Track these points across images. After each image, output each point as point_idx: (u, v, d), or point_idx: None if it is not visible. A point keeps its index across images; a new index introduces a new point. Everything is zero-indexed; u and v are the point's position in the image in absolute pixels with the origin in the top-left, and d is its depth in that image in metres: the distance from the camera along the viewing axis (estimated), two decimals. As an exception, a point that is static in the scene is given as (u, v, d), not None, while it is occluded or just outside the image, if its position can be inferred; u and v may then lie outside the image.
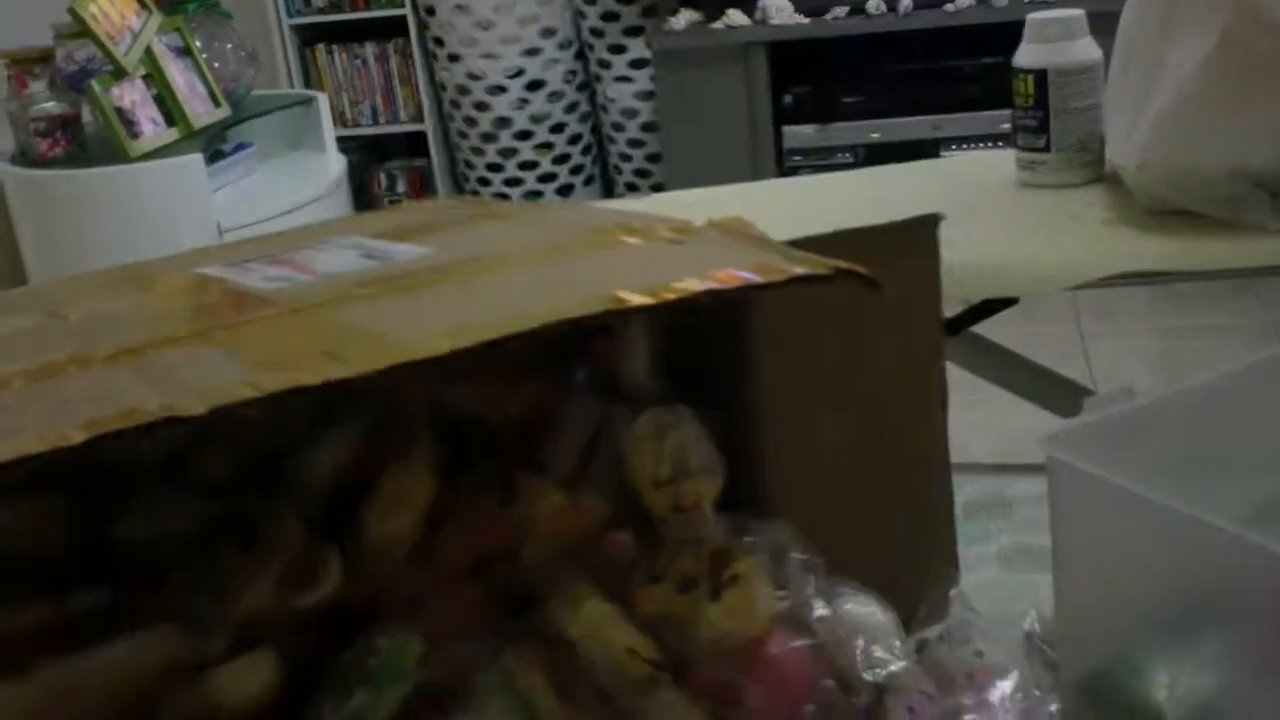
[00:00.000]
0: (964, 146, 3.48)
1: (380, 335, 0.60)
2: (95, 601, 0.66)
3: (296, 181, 3.00)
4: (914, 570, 0.82)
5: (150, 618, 0.65)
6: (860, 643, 0.72)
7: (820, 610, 0.72)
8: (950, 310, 1.42)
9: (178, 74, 2.80)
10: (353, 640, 0.66)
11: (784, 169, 3.62)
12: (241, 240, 0.86)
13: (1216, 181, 1.20)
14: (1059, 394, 1.72)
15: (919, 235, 0.83)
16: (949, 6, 3.48)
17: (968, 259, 1.16)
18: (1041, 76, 1.39)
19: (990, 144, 3.43)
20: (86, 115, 2.79)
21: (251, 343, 0.61)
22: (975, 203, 1.40)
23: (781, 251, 0.67)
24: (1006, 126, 3.36)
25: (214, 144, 2.97)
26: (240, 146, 3.08)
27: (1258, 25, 1.11)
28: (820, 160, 3.58)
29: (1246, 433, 0.72)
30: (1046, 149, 1.40)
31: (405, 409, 0.74)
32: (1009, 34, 1.47)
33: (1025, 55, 1.43)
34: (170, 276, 0.76)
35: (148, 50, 2.75)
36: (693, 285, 0.61)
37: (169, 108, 2.77)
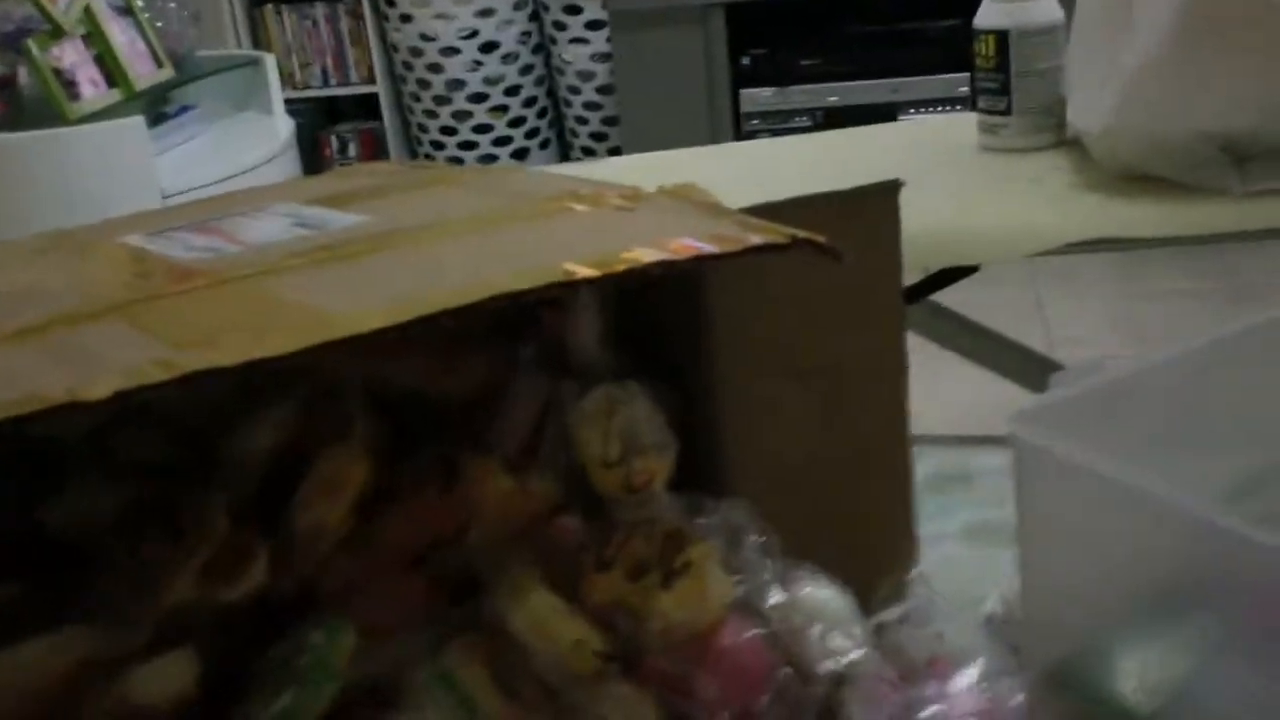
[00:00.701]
0: (923, 110, 3.46)
1: (309, 309, 0.56)
2: (11, 594, 0.63)
3: (243, 144, 2.94)
4: (874, 548, 0.79)
5: (71, 611, 0.61)
6: (818, 630, 0.69)
7: (776, 596, 0.69)
8: (910, 278, 1.39)
9: (119, 33, 2.74)
10: (284, 633, 0.62)
11: (741, 132, 3.59)
12: (169, 207, 0.82)
13: (1182, 145, 1.17)
14: (1020, 362, 1.70)
15: (880, 201, 0.80)
16: (908, -32, 3.45)
17: (929, 225, 1.13)
18: (1003, 37, 1.36)
19: (949, 107, 3.41)
20: (24, 77, 2.72)
21: (170, 318, 0.57)
22: (936, 167, 1.37)
23: (736, 219, 0.64)
24: (965, 90, 3.39)
25: (157, 106, 2.91)
26: (184, 109, 3.02)
27: (1229, -16, 1.08)
28: (778, 124, 3.55)
29: (1224, 407, 0.69)
30: (1008, 111, 1.38)
31: (342, 386, 0.70)
32: (968, -5, 1.44)
33: (986, 16, 1.39)
34: (92, 246, 0.72)
35: (87, 8, 2.68)
36: (644, 255, 0.58)
37: (110, 68, 2.71)
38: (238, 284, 0.60)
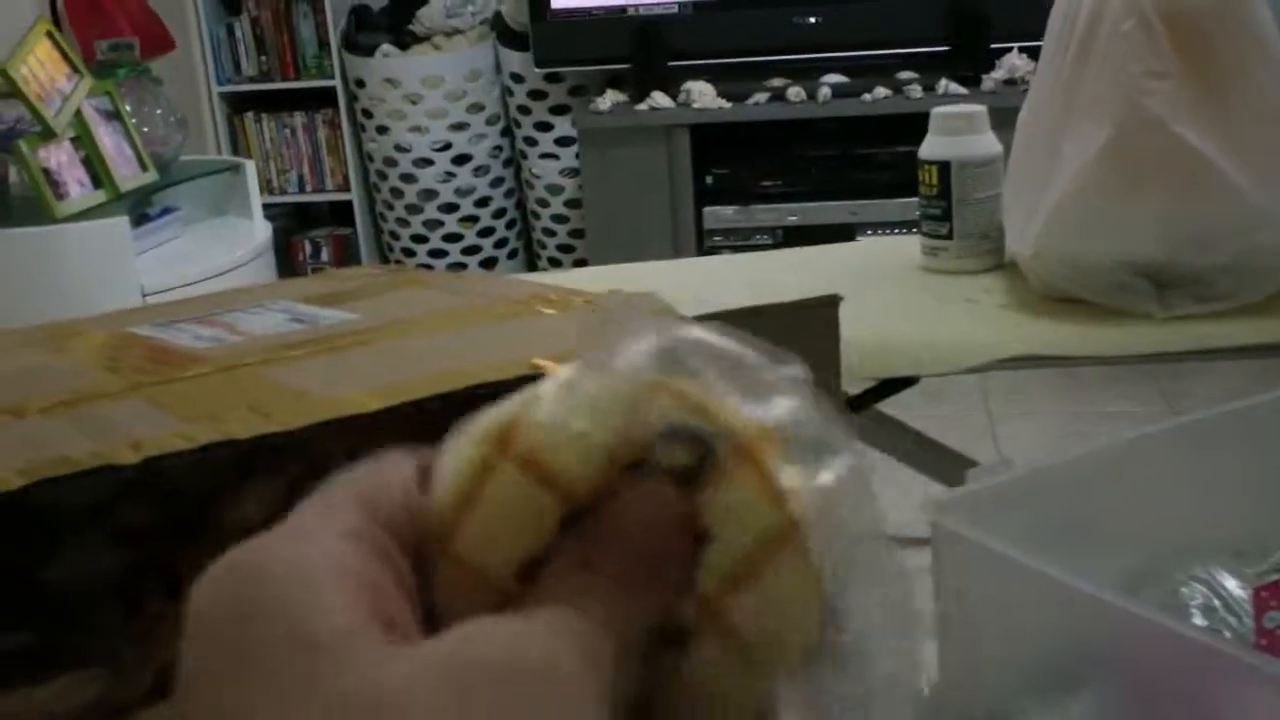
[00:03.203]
0: (880, 231, 3.56)
1: (307, 393, 0.64)
2: (17, 644, 0.69)
3: (222, 246, 3.01)
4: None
5: (74, 661, 0.67)
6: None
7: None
8: (855, 388, 1.47)
9: (106, 137, 2.82)
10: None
11: (704, 248, 3.68)
12: (173, 301, 0.89)
13: (1105, 270, 1.26)
14: (951, 467, 1.78)
15: (819, 314, 0.87)
16: (866, 96, 3.58)
17: (868, 338, 1.21)
18: (945, 167, 1.45)
19: (904, 230, 3.52)
20: (13, 175, 2.80)
21: (181, 397, 0.64)
22: (879, 285, 1.46)
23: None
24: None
25: (140, 207, 2.99)
26: (166, 210, 3.10)
27: (1144, 123, 1.18)
28: (740, 240, 3.65)
29: (1120, 505, 0.77)
30: (949, 236, 1.47)
31: (326, 463, 0.77)
32: (921, 124, 1.53)
33: (930, 147, 1.49)
34: (98, 334, 0.79)
35: (77, 113, 2.77)
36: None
37: (96, 170, 2.79)
38: (241, 370, 0.68)
